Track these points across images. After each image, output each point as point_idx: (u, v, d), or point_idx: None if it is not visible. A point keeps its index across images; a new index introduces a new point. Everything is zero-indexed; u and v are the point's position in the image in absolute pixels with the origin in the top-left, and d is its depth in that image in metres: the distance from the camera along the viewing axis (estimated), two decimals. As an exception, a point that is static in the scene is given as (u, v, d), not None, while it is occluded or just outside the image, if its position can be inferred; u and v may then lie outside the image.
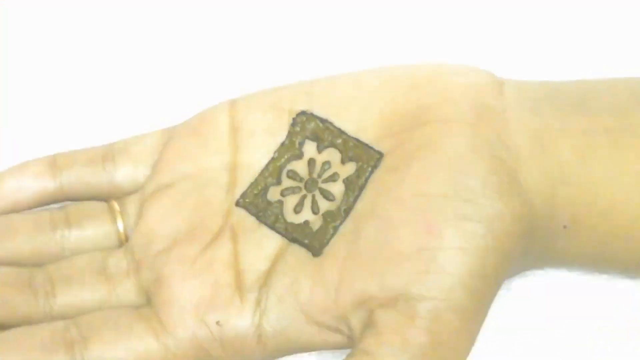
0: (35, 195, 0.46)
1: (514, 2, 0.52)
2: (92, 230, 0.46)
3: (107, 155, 0.47)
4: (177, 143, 0.46)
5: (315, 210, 0.44)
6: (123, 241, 0.46)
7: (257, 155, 0.45)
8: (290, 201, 0.44)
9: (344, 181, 0.44)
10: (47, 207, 0.46)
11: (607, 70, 0.48)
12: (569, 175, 0.43)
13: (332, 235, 0.43)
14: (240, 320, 0.42)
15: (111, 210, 0.46)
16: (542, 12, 0.51)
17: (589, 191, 0.43)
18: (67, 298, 0.44)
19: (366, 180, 0.43)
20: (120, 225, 0.46)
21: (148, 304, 0.44)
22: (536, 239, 0.42)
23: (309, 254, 0.43)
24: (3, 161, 0.47)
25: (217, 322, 0.42)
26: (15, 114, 0.51)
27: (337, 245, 0.43)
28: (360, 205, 0.43)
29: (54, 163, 0.46)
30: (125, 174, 0.46)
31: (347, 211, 0.43)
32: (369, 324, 0.41)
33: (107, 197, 0.46)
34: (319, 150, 0.45)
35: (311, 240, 0.43)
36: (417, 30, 0.52)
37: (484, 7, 0.52)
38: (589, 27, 0.51)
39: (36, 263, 0.45)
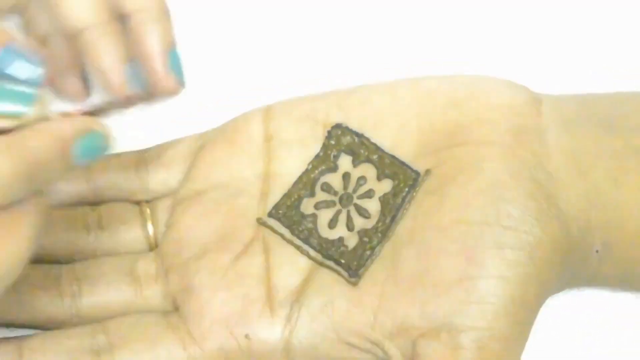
0: (69, 198, 0.46)
1: (546, 13, 0.51)
2: (123, 233, 0.45)
3: (140, 160, 0.46)
4: (211, 150, 0.46)
5: (350, 227, 0.44)
6: (152, 245, 0.45)
7: (290, 166, 0.45)
8: (324, 215, 0.44)
9: (380, 199, 0.44)
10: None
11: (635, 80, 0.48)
12: (602, 198, 0.43)
13: (370, 257, 0.43)
14: (269, 335, 0.42)
15: (142, 215, 0.45)
16: (575, 22, 0.51)
17: (620, 215, 0.43)
18: (93, 299, 0.44)
19: (403, 200, 0.43)
20: (150, 229, 0.45)
21: (176, 312, 0.43)
22: (571, 263, 0.43)
23: (345, 275, 0.42)
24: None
25: (246, 336, 0.42)
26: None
27: (375, 268, 0.42)
28: (398, 228, 0.43)
29: (88, 167, 0.45)
30: (158, 179, 0.46)
31: (384, 232, 0.43)
32: (412, 355, 0.41)
33: (139, 202, 0.46)
34: (354, 164, 0.45)
35: (347, 260, 0.43)
36: (448, 38, 0.51)
37: (514, 16, 0.51)
38: (619, 37, 0.51)
39: (67, 261, 0.45)
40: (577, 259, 0.43)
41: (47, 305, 0.43)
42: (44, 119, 0.37)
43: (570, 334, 0.46)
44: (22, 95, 0.36)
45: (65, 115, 0.38)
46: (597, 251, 0.43)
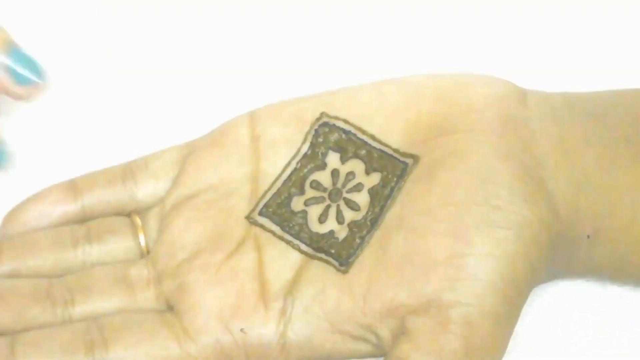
0: (57, 221, 0.46)
1: (531, 12, 0.52)
2: (114, 244, 0.45)
3: (127, 173, 0.46)
4: (198, 155, 0.46)
5: (340, 220, 0.44)
6: (145, 254, 0.45)
7: (279, 165, 0.45)
8: (314, 211, 0.44)
9: (369, 191, 0.44)
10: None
11: (623, 80, 0.48)
12: (593, 184, 0.43)
13: (359, 245, 0.43)
14: (264, 328, 0.42)
15: (133, 225, 0.46)
16: (559, 21, 0.52)
17: (611, 202, 0.43)
18: (86, 307, 0.43)
19: (392, 190, 0.43)
20: (142, 239, 0.45)
21: (170, 310, 0.43)
22: (561, 248, 0.43)
23: (335, 264, 0.43)
24: (22, 187, 0.47)
25: (241, 330, 0.42)
26: (31, 135, 0.51)
27: (364, 255, 0.43)
28: (386, 216, 0.43)
29: (74, 187, 0.46)
30: (146, 190, 0.46)
31: (374, 221, 0.43)
32: (401, 331, 0.41)
33: (129, 213, 0.46)
34: (343, 161, 0.45)
35: (338, 250, 0.43)
36: (434, 39, 0.52)
37: (501, 16, 0.52)
38: (606, 37, 0.51)
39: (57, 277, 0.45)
40: (568, 243, 0.43)
41: (39, 315, 0.43)
42: None
43: (567, 333, 0.46)
44: None
45: None
46: (588, 236, 0.43)
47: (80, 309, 0.43)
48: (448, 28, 0.52)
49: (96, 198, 0.46)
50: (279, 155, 0.46)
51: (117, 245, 0.45)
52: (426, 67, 0.50)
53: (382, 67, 0.50)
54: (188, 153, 0.47)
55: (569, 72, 0.51)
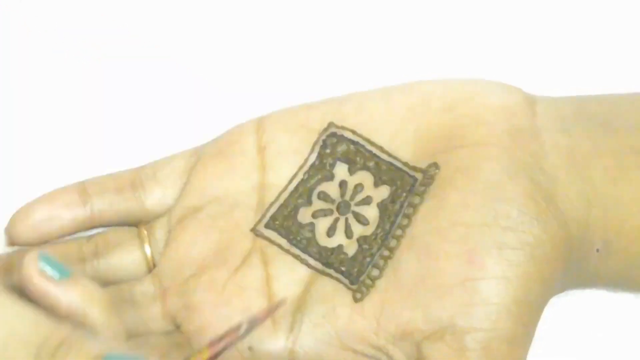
0: (67, 224, 0.45)
1: (540, 17, 0.51)
2: (120, 258, 0.45)
3: (136, 180, 0.46)
4: (205, 165, 0.45)
5: (349, 234, 0.44)
6: (151, 267, 0.45)
7: (286, 176, 0.45)
8: (322, 224, 0.44)
9: (378, 205, 0.44)
10: (76, 236, 0.45)
11: (632, 83, 0.48)
12: (602, 197, 0.43)
13: (370, 263, 0.42)
14: (273, 345, 0.42)
15: (140, 236, 0.45)
16: (568, 24, 0.51)
17: (620, 214, 0.43)
18: None
19: (401, 206, 0.43)
20: (147, 251, 0.45)
21: (178, 330, 0.43)
22: (572, 262, 0.43)
23: (346, 282, 0.42)
24: (30, 188, 0.46)
25: (250, 348, 0.42)
26: (38, 138, 0.50)
27: (375, 274, 0.42)
28: (397, 233, 0.42)
29: (84, 191, 0.45)
30: (154, 199, 0.45)
31: (383, 238, 0.43)
32: (417, 358, 0.41)
33: (137, 222, 0.46)
34: (351, 172, 0.44)
35: (348, 268, 0.43)
36: (442, 42, 0.51)
37: (509, 19, 0.51)
38: (614, 39, 0.51)
39: None
40: (578, 257, 0.43)
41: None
42: None
43: (574, 338, 0.46)
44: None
45: None
46: (597, 250, 0.43)
47: None
48: (456, 29, 0.51)
49: (106, 204, 0.45)
50: (286, 165, 0.45)
51: (124, 258, 0.45)
52: (435, 68, 0.50)
53: (391, 71, 0.49)
54: (195, 161, 0.46)
55: (579, 73, 0.50)
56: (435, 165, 0.43)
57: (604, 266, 0.44)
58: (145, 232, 0.45)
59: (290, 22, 0.51)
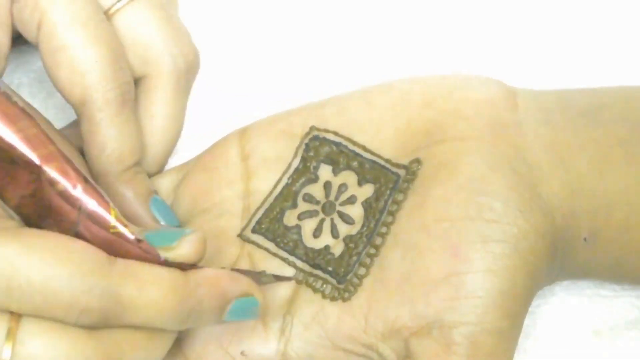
0: None
1: (522, 8, 0.51)
2: None
3: None
4: (190, 181, 0.46)
5: (335, 234, 0.44)
6: None
7: (270, 182, 0.45)
8: (308, 225, 0.44)
9: (362, 204, 0.44)
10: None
11: (615, 77, 0.48)
12: (587, 188, 0.43)
13: (356, 262, 0.42)
14: (265, 349, 0.42)
15: None
16: (550, 17, 0.51)
17: (606, 204, 0.43)
18: None
19: (386, 204, 0.43)
20: None
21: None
22: (559, 253, 0.43)
23: (333, 281, 0.42)
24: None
25: (242, 353, 0.42)
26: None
27: (362, 272, 0.42)
28: (382, 231, 0.43)
29: None
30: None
31: (369, 236, 0.43)
32: (406, 354, 0.41)
33: None
34: (335, 173, 0.45)
35: (335, 267, 0.43)
36: (421, 39, 0.51)
37: (490, 13, 0.51)
38: (597, 33, 0.51)
39: None
40: (565, 248, 0.43)
41: None
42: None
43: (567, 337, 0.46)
44: (170, 234, 0.39)
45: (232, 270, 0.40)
46: (585, 239, 0.43)
47: None
48: (435, 25, 0.51)
49: None
50: (270, 172, 0.45)
51: None
52: (415, 66, 0.50)
53: (370, 71, 0.49)
54: (181, 178, 0.46)
55: (562, 67, 0.50)
56: (417, 161, 0.43)
57: (592, 257, 0.43)
58: None
59: (270, 28, 0.51)
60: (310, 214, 0.44)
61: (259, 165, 0.45)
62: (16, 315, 0.37)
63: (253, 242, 0.44)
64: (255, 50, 0.51)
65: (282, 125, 0.46)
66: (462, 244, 0.41)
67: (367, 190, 0.44)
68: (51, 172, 0.37)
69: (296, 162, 0.45)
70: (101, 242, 0.38)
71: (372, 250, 0.42)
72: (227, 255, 0.44)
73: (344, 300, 0.42)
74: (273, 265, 0.43)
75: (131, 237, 0.38)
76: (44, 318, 0.37)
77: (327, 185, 0.45)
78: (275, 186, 0.45)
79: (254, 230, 0.44)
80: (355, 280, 0.42)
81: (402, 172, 0.43)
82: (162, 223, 0.44)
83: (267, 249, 0.44)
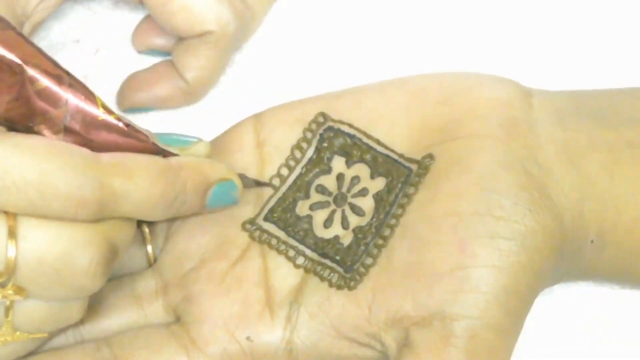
0: None
1: (537, 9, 0.51)
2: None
3: None
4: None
5: (345, 225, 0.44)
6: (152, 262, 0.46)
7: (284, 170, 0.45)
8: (320, 216, 0.44)
9: (373, 196, 0.44)
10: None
11: (628, 78, 0.48)
12: (597, 190, 0.43)
13: (364, 252, 0.43)
14: (270, 336, 0.43)
15: (142, 235, 0.46)
16: (565, 18, 0.51)
17: (615, 207, 0.43)
18: (96, 325, 0.44)
19: (396, 197, 0.43)
20: (149, 248, 0.45)
21: (178, 322, 0.44)
22: (566, 254, 0.43)
23: (340, 270, 0.43)
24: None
25: (248, 338, 0.42)
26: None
27: (369, 262, 0.43)
28: (391, 222, 0.43)
29: None
30: None
31: (378, 227, 0.43)
32: (405, 343, 0.41)
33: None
34: (348, 165, 0.45)
35: (342, 256, 0.43)
36: (438, 37, 0.51)
37: (506, 13, 0.52)
38: (611, 33, 0.51)
39: None
40: (572, 249, 0.43)
41: (49, 336, 0.43)
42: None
43: (567, 332, 0.46)
44: (184, 139, 0.42)
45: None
46: (592, 241, 0.43)
47: (91, 326, 0.44)
48: (452, 23, 0.52)
49: None
50: (284, 160, 0.45)
51: (126, 254, 0.45)
52: (431, 63, 0.50)
53: (387, 65, 0.50)
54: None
55: (576, 67, 0.50)
56: (430, 156, 0.44)
57: (598, 258, 0.44)
58: (147, 229, 0.46)
59: (287, 18, 0.52)
60: (322, 205, 0.45)
61: (273, 153, 0.46)
62: (12, 215, 0.37)
63: (264, 230, 0.44)
64: (274, 37, 0.52)
65: (297, 113, 0.46)
66: (469, 239, 0.41)
67: (379, 183, 0.44)
68: (33, 70, 0.38)
69: (310, 152, 0.45)
70: (91, 134, 0.39)
71: (380, 241, 0.43)
72: (238, 242, 0.44)
73: (350, 289, 0.42)
74: (282, 257, 0.44)
75: (119, 123, 0.39)
76: (41, 217, 0.37)
77: (340, 177, 0.45)
78: (288, 175, 0.45)
79: (266, 219, 0.45)
80: (361, 269, 0.43)
81: (414, 166, 0.44)
82: None
83: (278, 237, 0.44)
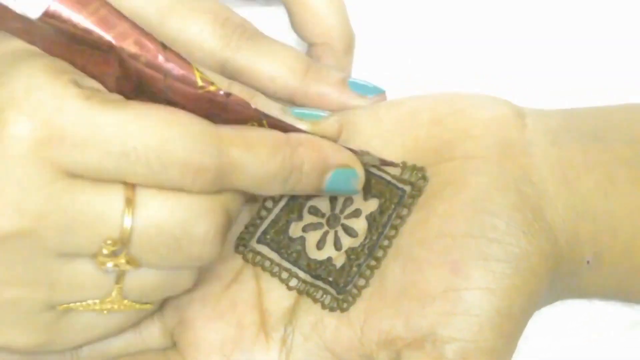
0: None
1: (531, 29, 0.51)
2: None
3: None
4: None
5: (338, 246, 0.44)
6: None
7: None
8: (313, 237, 0.44)
9: (366, 218, 0.44)
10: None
11: (623, 95, 0.48)
12: (592, 210, 0.43)
13: (357, 273, 0.43)
14: (266, 359, 0.42)
15: None
16: (558, 37, 0.51)
17: (611, 226, 0.43)
18: (93, 346, 0.43)
19: (389, 218, 0.43)
20: None
21: (174, 347, 0.43)
22: (561, 275, 0.43)
23: (333, 292, 0.43)
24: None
25: None
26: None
27: (361, 284, 0.43)
28: (384, 244, 0.43)
29: None
30: None
31: (371, 249, 0.43)
32: None
33: None
34: None
35: (335, 278, 0.43)
36: (431, 57, 0.51)
37: (499, 33, 0.51)
38: (604, 51, 0.51)
39: None
40: (568, 270, 0.43)
41: (47, 355, 0.43)
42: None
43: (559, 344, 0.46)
44: (316, 113, 0.43)
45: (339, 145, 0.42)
46: (588, 262, 0.43)
47: (87, 348, 0.43)
48: (445, 44, 0.51)
49: None
50: None
51: None
52: (423, 84, 0.50)
53: (380, 85, 0.49)
54: None
55: (569, 85, 0.50)
56: (423, 177, 0.44)
57: (595, 278, 0.43)
58: None
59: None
60: (315, 226, 0.45)
61: None
62: (130, 185, 0.37)
63: (258, 252, 0.44)
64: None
65: None
66: (462, 261, 0.41)
67: (372, 205, 0.44)
68: (130, 47, 0.38)
69: None
70: (193, 104, 0.39)
71: (373, 263, 0.43)
72: (231, 264, 0.44)
73: (342, 310, 0.42)
74: (276, 279, 0.44)
75: (220, 92, 0.39)
76: (158, 187, 0.37)
77: (333, 199, 0.45)
78: (281, 197, 0.45)
79: (259, 240, 0.45)
80: (354, 291, 0.43)
81: (407, 187, 0.44)
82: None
83: (271, 259, 0.44)
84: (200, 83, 0.39)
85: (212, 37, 0.45)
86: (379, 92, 0.46)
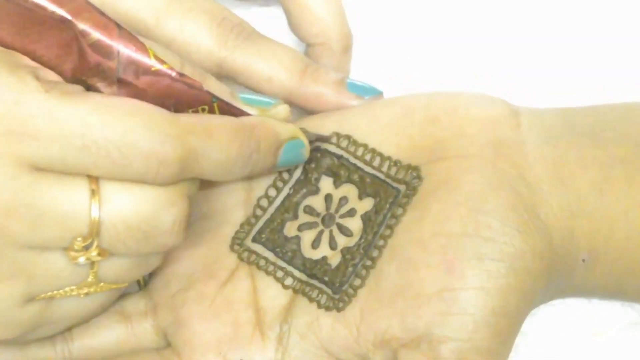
0: None
1: (526, 27, 0.51)
2: None
3: None
4: None
5: (333, 245, 0.44)
6: (142, 286, 0.45)
7: (271, 191, 0.45)
8: (308, 236, 0.44)
9: (361, 217, 0.44)
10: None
11: (618, 94, 0.48)
12: (587, 208, 0.43)
13: (352, 273, 0.43)
14: (262, 357, 0.43)
15: None
16: (554, 36, 0.51)
17: (606, 225, 0.43)
18: (85, 341, 0.44)
19: (384, 217, 0.43)
20: None
21: (169, 347, 0.43)
22: (556, 273, 0.43)
23: (329, 291, 0.43)
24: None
25: None
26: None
27: (357, 283, 0.42)
28: (379, 243, 0.43)
29: None
30: None
31: (366, 249, 0.43)
32: None
33: None
34: (336, 185, 0.45)
35: (331, 277, 0.43)
36: (424, 55, 0.51)
37: (494, 32, 0.51)
38: (600, 50, 0.51)
39: None
40: (563, 269, 0.43)
41: (39, 351, 0.43)
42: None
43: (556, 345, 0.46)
44: (265, 100, 0.43)
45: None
46: (583, 260, 0.43)
47: (79, 343, 0.44)
48: (440, 43, 0.51)
49: None
50: (272, 181, 0.45)
51: None
52: (419, 83, 0.50)
53: (376, 84, 0.49)
54: None
55: (564, 84, 0.50)
56: (418, 177, 0.44)
57: (590, 277, 0.43)
58: None
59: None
60: (310, 225, 0.45)
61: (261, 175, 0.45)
62: (94, 178, 0.37)
63: (253, 251, 0.44)
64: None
65: None
66: (457, 260, 0.41)
67: (367, 204, 0.44)
68: (83, 24, 0.38)
69: (298, 173, 0.45)
70: (144, 84, 0.39)
71: (368, 262, 0.43)
72: (226, 263, 0.44)
73: (338, 310, 0.42)
74: (271, 277, 0.44)
75: (172, 72, 0.39)
76: (122, 180, 0.38)
77: (328, 198, 0.45)
78: (276, 196, 0.45)
79: (254, 240, 0.45)
80: (350, 291, 0.42)
81: (402, 187, 0.44)
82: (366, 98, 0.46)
83: (266, 258, 0.44)
84: (153, 60, 0.39)
85: (209, 37, 0.44)
86: (376, 93, 0.46)
